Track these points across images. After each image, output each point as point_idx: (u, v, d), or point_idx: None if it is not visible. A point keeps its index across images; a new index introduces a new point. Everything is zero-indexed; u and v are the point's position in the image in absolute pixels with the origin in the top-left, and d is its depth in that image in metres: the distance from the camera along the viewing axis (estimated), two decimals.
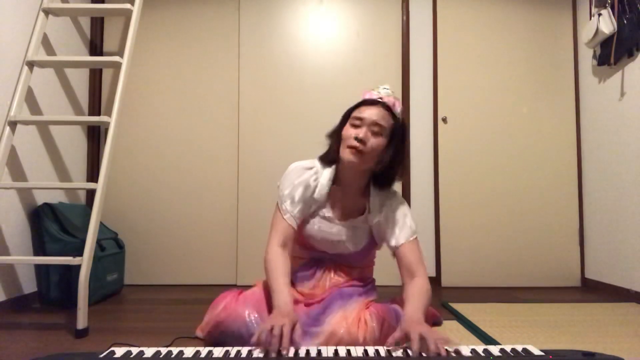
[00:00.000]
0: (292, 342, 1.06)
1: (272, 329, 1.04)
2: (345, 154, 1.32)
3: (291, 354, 1.04)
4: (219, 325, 1.28)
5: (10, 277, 2.10)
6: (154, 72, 2.93)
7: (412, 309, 1.21)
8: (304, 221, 1.42)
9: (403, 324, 1.14)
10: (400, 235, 1.37)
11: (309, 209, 1.40)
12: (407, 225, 1.38)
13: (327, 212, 1.42)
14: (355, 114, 1.35)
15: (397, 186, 2.97)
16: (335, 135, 1.40)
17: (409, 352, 1.04)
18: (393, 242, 1.37)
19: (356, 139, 1.30)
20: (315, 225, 1.44)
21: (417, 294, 1.28)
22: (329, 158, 1.41)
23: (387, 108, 1.35)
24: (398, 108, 1.38)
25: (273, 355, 1.01)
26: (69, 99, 2.63)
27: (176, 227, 2.87)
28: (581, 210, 2.94)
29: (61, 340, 1.61)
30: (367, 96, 1.38)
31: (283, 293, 1.21)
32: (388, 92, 1.38)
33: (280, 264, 1.29)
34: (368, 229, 1.45)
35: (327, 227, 1.43)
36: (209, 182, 2.89)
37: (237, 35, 2.94)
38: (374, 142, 1.31)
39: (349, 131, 1.34)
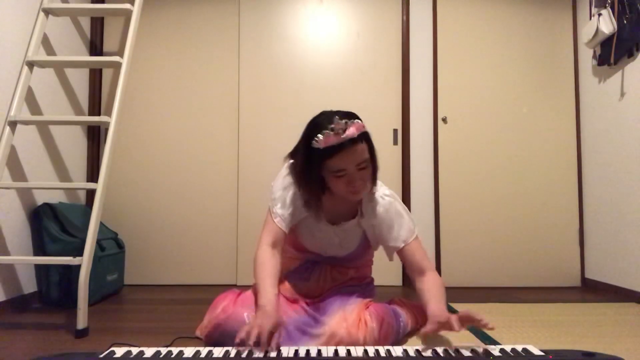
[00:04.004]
0: (275, 343, 1.07)
1: (249, 332, 1.04)
2: (348, 198, 1.28)
3: (291, 353, 1.04)
4: (218, 327, 1.28)
5: (10, 277, 2.10)
6: (154, 72, 2.93)
7: (435, 305, 1.23)
8: (295, 224, 1.42)
9: (432, 319, 1.16)
10: (399, 237, 1.36)
11: (301, 212, 1.39)
12: (404, 226, 1.37)
13: (318, 216, 1.41)
14: (333, 166, 1.21)
15: (398, 186, 2.98)
16: (313, 185, 1.28)
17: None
18: (393, 245, 1.37)
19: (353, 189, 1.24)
20: (307, 229, 1.43)
21: (434, 289, 1.28)
22: (314, 200, 1.33)
23: (356, 139, 1.21)
24: (360, 128, 1.22)
25: (273, 354, 1.01)
26: (69, 99, 2.63)
27: (176, 227, 2.87)
28: (581, 210, 2.94)
29: (61, 340, 1.61)
30: (331, 142, 1.19)
31: (268, 293, 1.20)
32: (343, 123, 1.20)
33: (268, 263, 1.28)
34: (360, 232, 1.44)
35: (318, 231, 1.43)
36: (209, 181, 2.89)
37: (237, 35, 2.94)
38: (365, 175, 1.25)
39: (338, 185, 1.25)
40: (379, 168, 1.32)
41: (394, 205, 1.38)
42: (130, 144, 2.89)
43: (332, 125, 1.19)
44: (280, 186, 1.38)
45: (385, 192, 1.39)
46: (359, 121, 1.24)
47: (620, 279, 2.55)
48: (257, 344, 1.03)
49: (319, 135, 1.20)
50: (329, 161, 1.21)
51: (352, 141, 1.20)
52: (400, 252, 1.37)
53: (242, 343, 1.03)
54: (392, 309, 1.39)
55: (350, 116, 1.24)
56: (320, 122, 1.24)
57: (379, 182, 1.40)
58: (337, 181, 1.25)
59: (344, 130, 1.19)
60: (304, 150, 1.26)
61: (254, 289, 1.39)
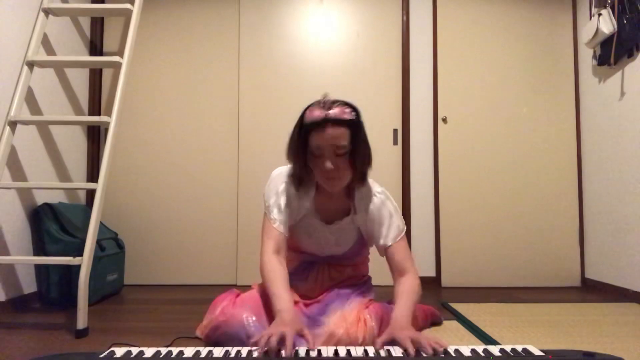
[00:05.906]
0: (308, 346, 1.06)
1: (270, 338, 1.03)
2: (325, 185, 1.29)
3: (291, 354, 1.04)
4: (217, 329, 1.28)
5: (10, 277, 2.11)
6: (154, 72, 2.93)
7: (399, 310, 1.22)
8: (291, 226, 1.42)
9: (390, 327, 1.15)
10: (388, 235, 1.36)
11: (298, 213, 1.39)
12: (394, 225, 1.37)
13: (313, 216, 1.41)
14: (311, 142, 1.24)
15: (398, 186, 2.98)
16: (299, 159, 1.29)
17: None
18: (381, 242, 1.37)
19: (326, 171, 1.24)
20: (303, 230, 1.43)
21: (405, 293, 1.27)
22: (301, 180, 1.34)
23: (338, 122, 1.22)
24: (347, 114, 1.23)
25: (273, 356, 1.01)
26: (69, 99, 2.63)
27: (176, 227, 2.87)
28: (581, 210, 2.94)
29: (61, 340, 1.61)
30: (315, 116, 1.22)
31: (284, 299, 1.19)
32: (330, 102, 1.24)
33: (277, 270, 1.27)
34: (356, 229, 1.44)
35: (314, 231, 1.43)
36: (209, 181, 2.89)
37: (237, 35, 2.94)
38: (342, 163, 1.24)
39: (315, 166, 1.27)
40: (378, 167, 1.33)
41: (385, 203, 1.39)
42: (130, 144, 2.89)
43: (320, 101, 1.25)
44: (273, 192, 1.38)
45: (377, 190, 1.40)
46: (351, 109, 1.25)
47: (620, 279, 2.55)
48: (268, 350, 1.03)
49: (307, 109, 1.26)
50: (309, 137, 1.24)
51: (335, 122, 1.21)
52: (387, 251, 1.37)
53: (264, 350, 1.01)
54: (391, 309, 1.39)
55: (347, 104, 1.26)
56: (314, 102, 1.28)
57: (370, 180, 1.40)
58: (314, 161, 1.26)
59: (329, 108, 1.22)
60: (296, 127, 1.30)
61: (252, 291, 1.39)
